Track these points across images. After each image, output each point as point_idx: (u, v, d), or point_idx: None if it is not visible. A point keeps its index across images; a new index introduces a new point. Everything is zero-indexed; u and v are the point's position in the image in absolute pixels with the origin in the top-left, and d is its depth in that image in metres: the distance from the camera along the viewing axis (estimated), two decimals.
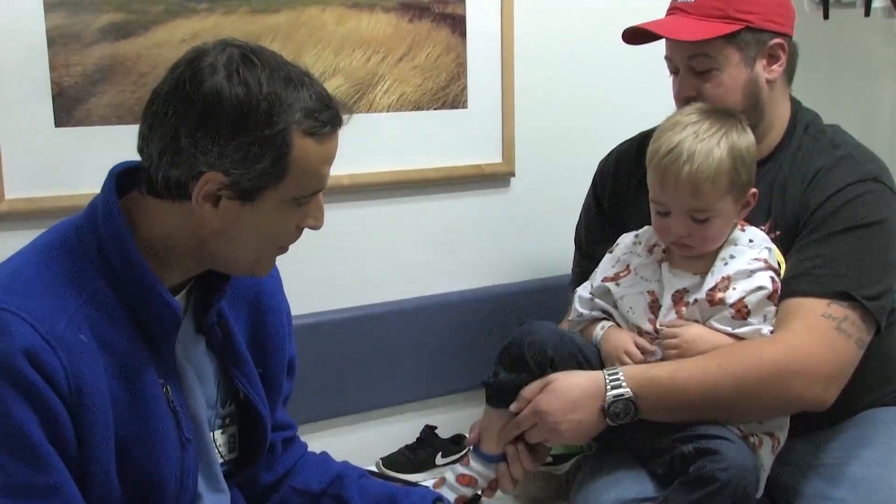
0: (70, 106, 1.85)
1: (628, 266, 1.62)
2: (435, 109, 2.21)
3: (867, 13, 2.40)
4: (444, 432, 2.22)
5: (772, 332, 1.52)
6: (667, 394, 1.49)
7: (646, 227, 1.65)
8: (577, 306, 1.67)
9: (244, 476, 1.46)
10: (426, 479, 2.03)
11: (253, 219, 1.20)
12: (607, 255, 1.67)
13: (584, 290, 1.67)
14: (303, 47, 2.04)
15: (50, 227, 1.26)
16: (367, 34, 2.11)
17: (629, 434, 1.53)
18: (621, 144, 1.90)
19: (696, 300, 1.52)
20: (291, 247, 1.30)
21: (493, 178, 2.32)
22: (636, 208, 1.71)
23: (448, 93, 2.22)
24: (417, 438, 2.20)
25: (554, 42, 2.33)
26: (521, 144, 2.32)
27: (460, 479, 1.63)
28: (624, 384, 1.49)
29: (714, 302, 1.51)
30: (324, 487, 1.51)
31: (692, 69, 1.65)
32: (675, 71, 1.69)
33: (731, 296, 1.50)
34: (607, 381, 1.50)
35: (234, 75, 1.14)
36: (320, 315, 2.11)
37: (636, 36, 1.69)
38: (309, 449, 1.60)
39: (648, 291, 1.57)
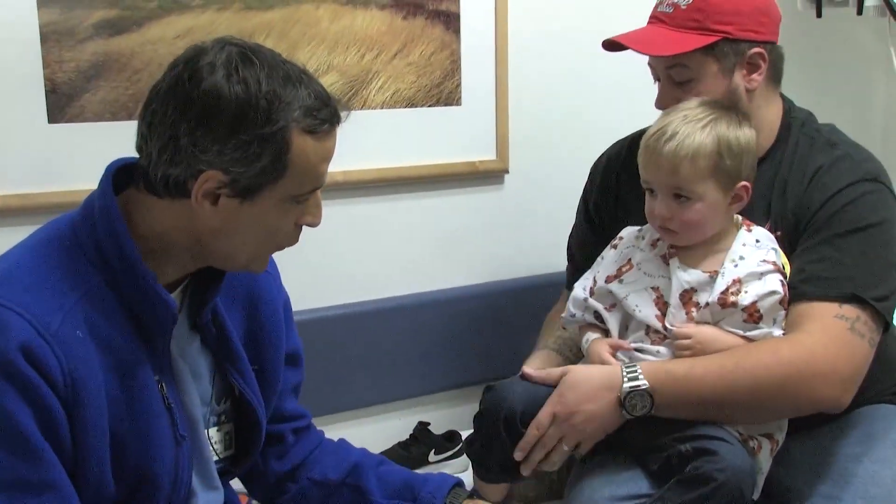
0: (63, 102, 1.84)
1: (630, 260, 1.62)
2: (429, 106, 2.21)
3: (860, 11, 2.40)
4: (437, 429, 2.22)
5: (783, 335, 1.52)
6: (683, 389, 1.48)
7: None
8: (571, 306, 1.67)
9: (240, 472, 1.46)
10: None
11: (252, 217, 1.21)
12: (610, 251, 1.67)
13: (579, 290, 1.66)
14: (297, 44, 2.04)
15: (45, 223, 1.26)
16: (362, 31, 2.11)
17: (629, 431, 1.53)
18: (611, 147, 1.89)
19: (707, 303, 1.52)
20: None
21: (487, 176, 2.32)
22: (626, 210, 1.71)
23: (442, 90, 2.22)
24: (411, 435, 2.20)
25: (548, 39, 2.34)
26: (516, 141, 2.32)
27: None
28: (641, 376, 1.49)
29: (726, 305, 1.51)
30: (342, 477, 1.51)
31: (671, 78, 1.65)
32: (658, 78, 1.70)
33: (744, 299, 1.50)
34: (624, 372, 1.50)
35: (234, 74, 1.15)
36: (313, 312, 2.10)
37: (614, 45, 1.68)
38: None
39: (653, 288, 1.57)
